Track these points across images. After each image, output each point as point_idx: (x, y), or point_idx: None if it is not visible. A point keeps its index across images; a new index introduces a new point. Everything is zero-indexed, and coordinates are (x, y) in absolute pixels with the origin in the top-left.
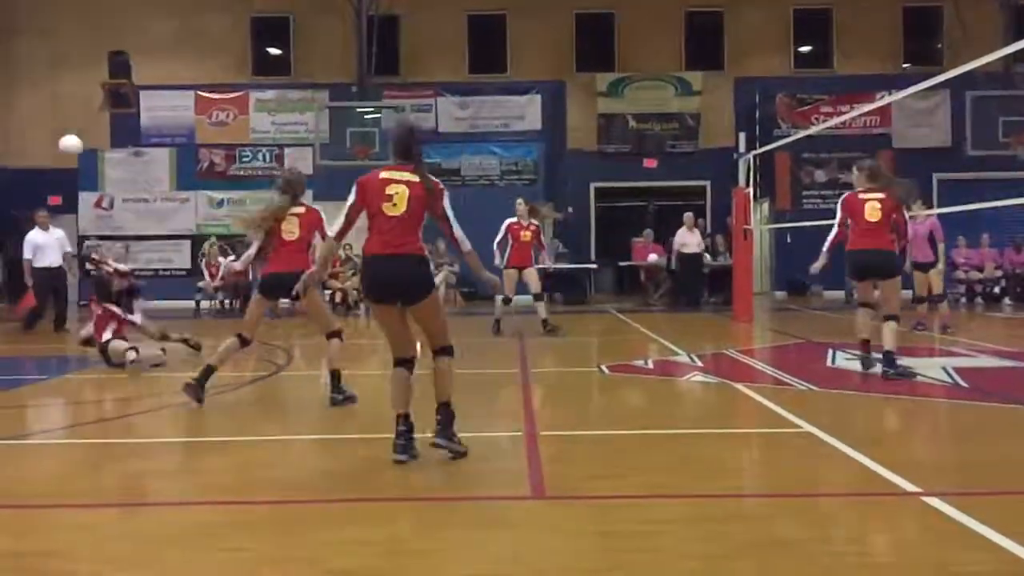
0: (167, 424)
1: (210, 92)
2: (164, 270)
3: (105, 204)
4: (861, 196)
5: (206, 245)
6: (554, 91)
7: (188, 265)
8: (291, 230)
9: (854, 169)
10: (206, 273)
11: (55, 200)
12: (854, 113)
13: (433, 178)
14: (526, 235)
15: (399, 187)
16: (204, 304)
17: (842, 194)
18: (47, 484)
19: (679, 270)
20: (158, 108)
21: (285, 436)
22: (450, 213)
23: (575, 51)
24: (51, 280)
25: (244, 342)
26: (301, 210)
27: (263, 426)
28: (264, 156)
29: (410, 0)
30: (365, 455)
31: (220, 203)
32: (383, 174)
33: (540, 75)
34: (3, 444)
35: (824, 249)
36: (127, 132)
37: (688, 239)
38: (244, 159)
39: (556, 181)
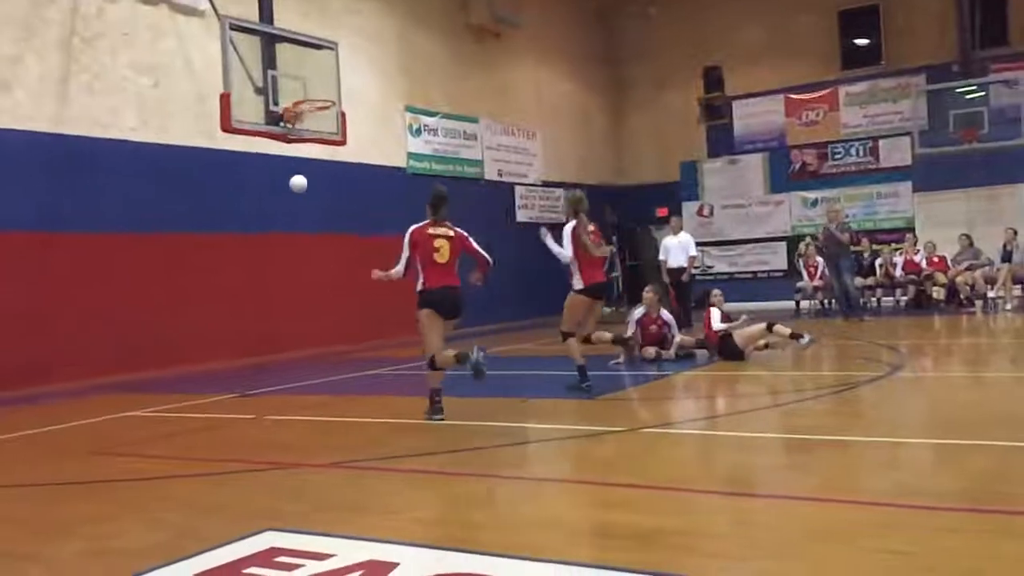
0: (790, 420)
1: (799, 93)
2: (762, 272)
3: (706, 212)
4: None
5: (802, 245)
6: None
7: (785, 266)
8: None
9: None
10: (804, 273)
11: (662, 212)
12: None
13: (458, 229)
14: None
15: (442, 241)
16: (804, 304)
17: None
18: (683, 469)
19: None
20: (749, 115)
21: (902, 438)
22: (477, 246)
23: None
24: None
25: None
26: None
27: (876, 426)
28: (857, 151)
29: None
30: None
31: (814, 203)
32: (429, 230)
33: None
34: (645, 432)
35: None
36: (722, 142)
37: None
38: (836, 156)
39: None
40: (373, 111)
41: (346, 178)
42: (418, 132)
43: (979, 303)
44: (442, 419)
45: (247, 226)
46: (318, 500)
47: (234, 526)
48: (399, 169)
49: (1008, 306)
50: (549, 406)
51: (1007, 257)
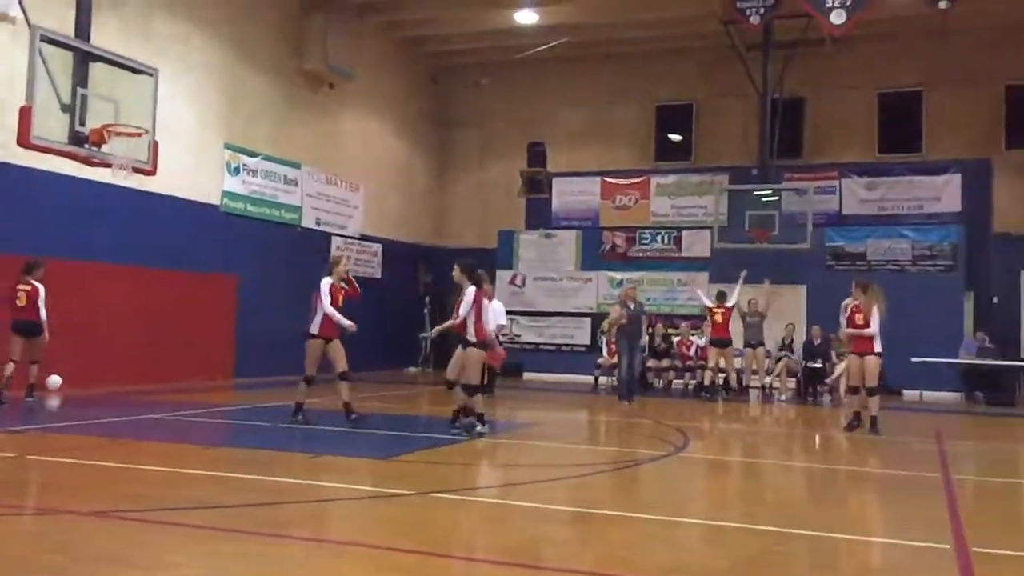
0: (563, 493)
1: (615, 178)
2: (567, 345)
3: (519, 282)
4: None
5: (605, 323)
6: (977, 170)
7: (588, 341)
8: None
9: None
10: (604, 350)
11: None
12: None
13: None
14: (859, 319)
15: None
16: (602, 379)
17: None
18: (465, 537)
19: None
20: (568, 193)
21: (679, 517)
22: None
23: (1004, 126)
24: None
25: None
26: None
27: (656, 504)
28: (663, 238)
29: (817, 81)
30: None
31: (619, 283)
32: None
33: (960, 153)
34: (435, 496)
35: None
36: (540, 215)
37: None
38: (644, 241)
39: (978, 268)
40: (190, 144)
41: (153, 210)
42: (236, 171)
43: (755, 392)
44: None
45: (35, 249)
46: (78, 552)
47: None
48: (213, 206)
49: (783, 396)
50: (340, 464)
51: (786, 350)
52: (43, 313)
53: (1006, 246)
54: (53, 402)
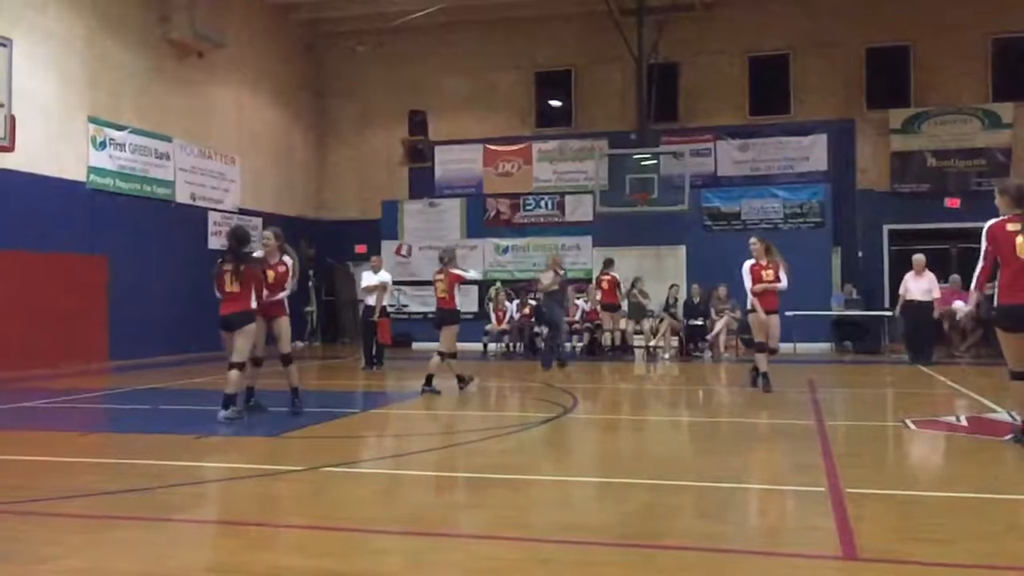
0: (455, 460)
1: (497, 145)
2: None
3: (404, 252)
4: (1010, 227)
5: (492, 290)
6: (841, 130)
7: (476, 309)
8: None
9: (995, 192)
10: (493, 317)
11: (360, 248)
12: None
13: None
14: (768, 275)
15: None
16: (491, 346)
17: None
18: (360, 509)
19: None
20: (450, 161)
21: (569, 476)
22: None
23: (865, 88)
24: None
25: None
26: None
27: (547, 465)
28: (546, 204)
29: (690, 46)
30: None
31: (505, 250)
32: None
33: (826, 114)
34: (326, 471)
35: (972, 288)
36: (423, 184)
37: (912, 285)
38: (528, 207)
39: (844, 224)
40: (51, 118)
41: (12, 189)
42: (102, 145)
43: (639, 352)
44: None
45: None
46: None
47: None
48: (78, 183)
49: (666, 355)
50: (228, 444)
51: (668, 310)
52: None
53: (869, 202)
54: None
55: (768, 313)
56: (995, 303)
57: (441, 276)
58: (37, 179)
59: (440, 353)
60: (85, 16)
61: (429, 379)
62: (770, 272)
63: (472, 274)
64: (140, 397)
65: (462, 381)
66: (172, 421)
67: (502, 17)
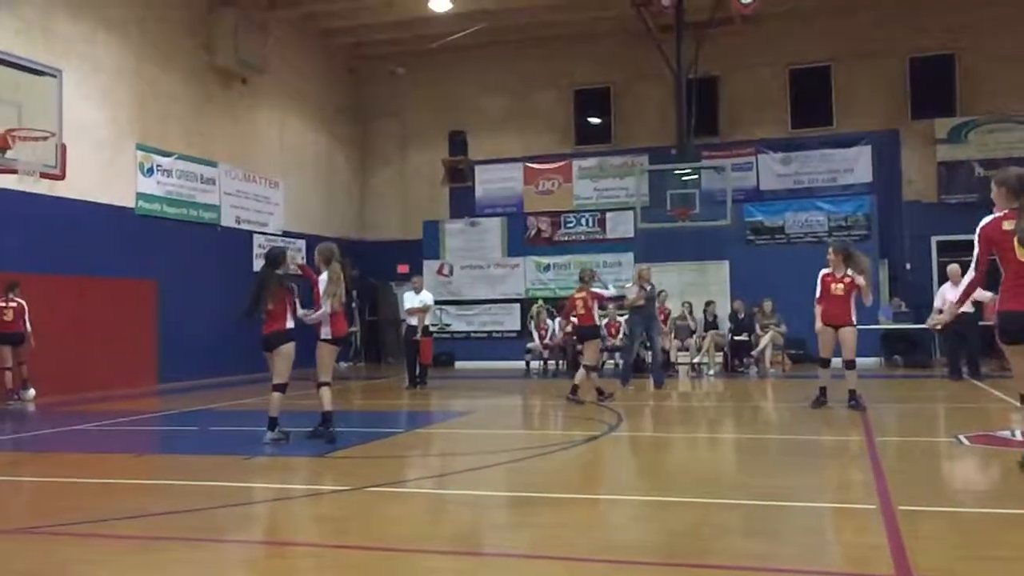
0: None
1: (537, 163)
2: (496, 332)
3: (445, 271)
4: (1006, 225)
5: (534, 308)
6: (886, 141)
7: (518, 327)
8: None
9: (992, 185)
10: (535, 335)
11: (403, 268)
12: None
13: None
14: (837, 288)
15: None
16: (533, 364)
17: None
18: (409, 529)
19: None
20: (491, 180)
21: (614, 495)
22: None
23: (910, 97)
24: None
25: None
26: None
27: (592, 484)
28: (587, 221)
29: (729, 60)
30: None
31: (546, 268)
32: None
33: (870, 125)
34: (372, 491)
35: (957, 299)
36: (464, 204)
37: (950, 296)
38: (568, 225)
39: (891, 236)
40: (100, 146)
41: (63, 215)
42: (150, 172)
43: (684, 368)
44: None
45: None
46: (6, 572)
47: None
48: (127, 209)
49: (711, 372)
50: (276, 464)
51: (709, 326)
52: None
53: (916, 214)
54: None
55: (836, 328)
56: (996, 310)
57: (582, 295)
58: (88, 206)
59: (585, 366)
60: (133, 46)
61: (575, 389)
62: (839, 286)
63: (611, 291)
64: (189, 419)
65: (602, 395)
66: (220, 442)
67: (540, 36)
